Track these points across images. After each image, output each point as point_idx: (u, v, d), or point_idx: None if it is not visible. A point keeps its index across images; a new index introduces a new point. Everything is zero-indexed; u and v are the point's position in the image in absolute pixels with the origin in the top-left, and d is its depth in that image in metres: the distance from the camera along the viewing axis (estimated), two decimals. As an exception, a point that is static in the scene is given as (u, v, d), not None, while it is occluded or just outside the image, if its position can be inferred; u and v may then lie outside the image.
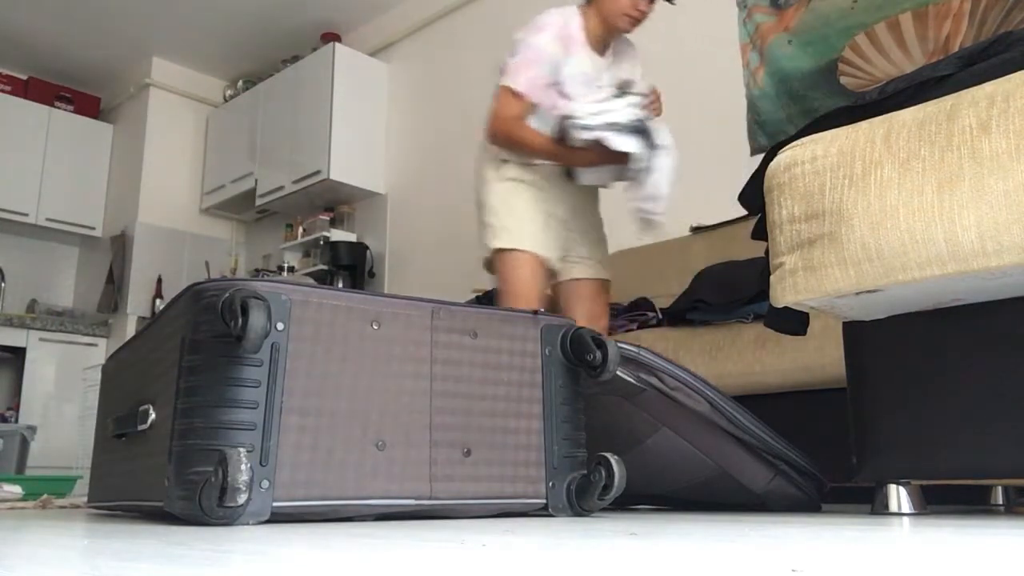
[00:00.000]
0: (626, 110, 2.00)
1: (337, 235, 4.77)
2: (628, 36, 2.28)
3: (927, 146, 1.18)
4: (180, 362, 1.08)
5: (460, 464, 1.16)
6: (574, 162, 2.10)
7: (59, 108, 5.58)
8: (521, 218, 2.08)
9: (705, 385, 1.43)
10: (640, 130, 1.99)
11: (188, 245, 5.51)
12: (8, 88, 5.44)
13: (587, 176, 2.13)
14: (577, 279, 2.18)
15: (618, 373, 1.30)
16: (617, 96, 2.05)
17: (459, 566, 0.57)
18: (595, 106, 2.02)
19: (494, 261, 2.10)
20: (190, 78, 5.67)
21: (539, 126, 2.10)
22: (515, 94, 2.08)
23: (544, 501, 1.22)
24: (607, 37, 2.21)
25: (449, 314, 1.21)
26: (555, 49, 2.10)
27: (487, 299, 2.88)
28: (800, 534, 0.87)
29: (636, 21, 2.16)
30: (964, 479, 1.41)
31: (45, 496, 2.12)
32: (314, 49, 4.95)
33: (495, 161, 2.16)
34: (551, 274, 2.14)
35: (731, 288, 2.20)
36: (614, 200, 3.62)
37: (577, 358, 1.28)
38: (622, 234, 3.42)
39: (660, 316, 2.49)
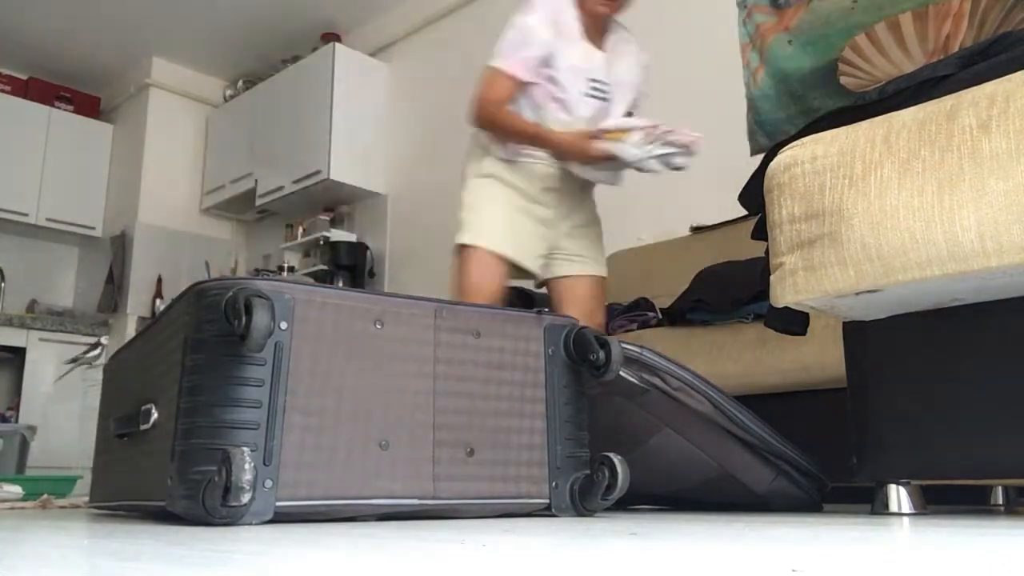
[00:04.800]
0: (658, 149, 2.04)
1: (337, 235, 4.78)
2: (627, 33, 2.22)
3: (927, 146, 1.18)
4: (183, 361, 1.08)
5: (463, 464, 1.16)
6: (560, 152, 2.05)
7: (59, 108, 5.58)
8: (489, 216, 2.06)
9: (708, 385, 1.43)
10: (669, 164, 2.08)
11: (188, 245, 5.51)
12: (8, 88, 5.44)
13: (588, 171, 2.10)
14: (568, 276, 2.16)
15: (621, 373, 1.31)
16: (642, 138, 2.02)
17: (459, 566, 0.57)
18: (638, 149, 2.01)
19: (456, 255, 2.09)
20: (190, 78, 5.67)
21: (529, 114, 2.07)
22: (503, 75, 2.04)
23: (547, 501, 1.22)
24: (598, 26, 2.14)
25: (452, 313, 1.21)
26: (547, 33, 2.05)
27: (487, 299, 2.88)
28: (800, 534, 0.87)
29: (614, 3, 2.10)
30: (964, 479, 1.41)
31: (45, 496, 2.12)
32: (314, 49, 4.95)
33: (477, 155, 2.14)
34: (522, 273, 2.12)
35: (731, 288, 2.20)
36: (613, 199, 3.62)
37: (580, 358, 1.28)
38: (621, 234, 3.43)
39: (660, 316, 2.49)
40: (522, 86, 2.06)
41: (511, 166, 2.10)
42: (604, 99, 2.13)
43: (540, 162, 2.10)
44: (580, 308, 2.10)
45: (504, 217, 2.06)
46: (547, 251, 2.13)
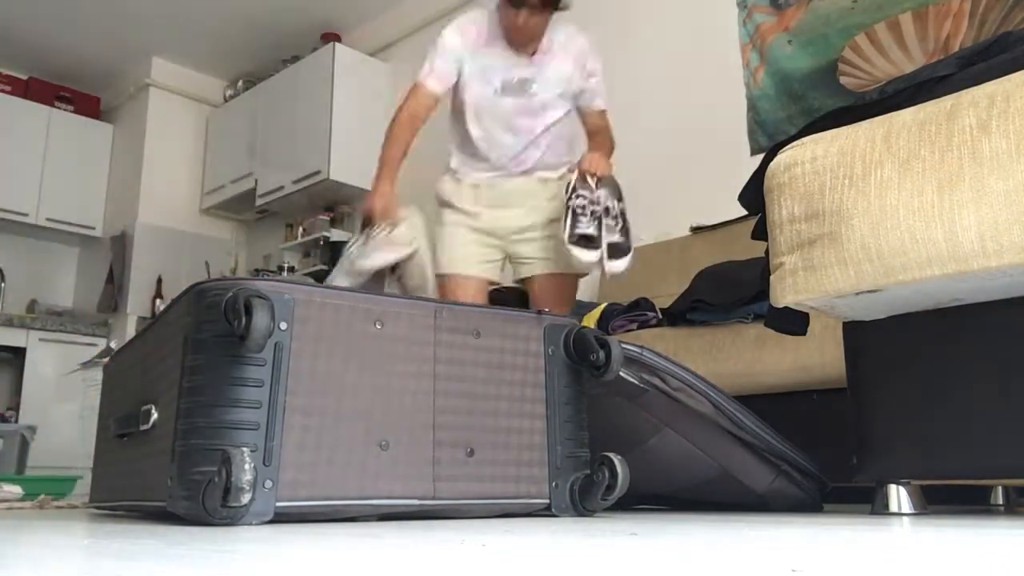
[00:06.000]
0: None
1: (337, 235, 4.78)
2: (564, 34, 2.26)
3: (927, 146, 1.18)
4: (183, 361, 1.08)
5: (463, 464, 1.16)
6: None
7: (59, 108, 5.58)
8: (442, 243, 2.30)
9: (708, 386, 1.43)
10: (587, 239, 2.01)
11: (188, 245, 5.51)
12: (8, 88, 5.44)
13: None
14: (528, 278, 2.33)
15: (621, 374, 1.31)
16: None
17: (459, 566, 0.57)
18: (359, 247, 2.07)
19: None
20: (190, 78, 5.67)
21: (455, 128, 2.31)
22: (416, 86, 2.26)
23: (547, 501, 1.22)
24: (527, 36, 2.20)
25: (452, 314, 1.21)
26: (458, 43, 2.21)
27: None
28: (800, 534, 0.87)
29: (524, 38, 2.16)
30: (964, 479, 1.41)
31: (42, 496, 2.12)
32: (314, 49, 4.95)
33: (438, 207, 2.38)
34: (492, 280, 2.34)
35: (731, 288, 2.20)
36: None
37: (580, 358, 1.28)
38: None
39: (660, 316, 2.49)
40: (434, 97, 2.26)
41: (453, 181, 2.35)
42: (523, 95, 2.22)
43: (468, 177, 2.33)
44: (539, 302, 2.27)
45: (448, 238, 2.30)
46: (503, 256, 2.32)
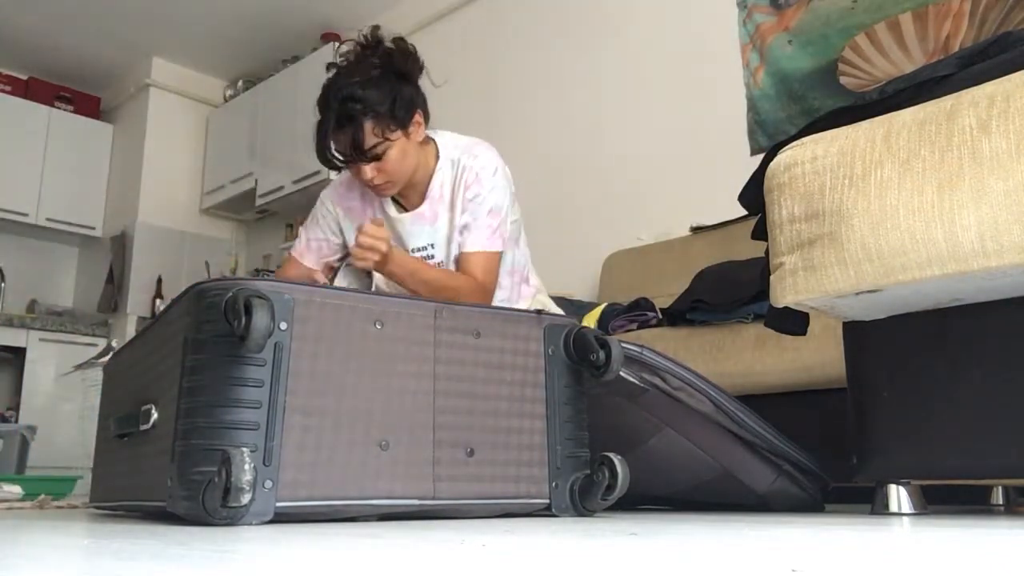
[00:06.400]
0: None
1: (337, 235, 4.77)
2: (471, 167, 1.86)
3: (927, 146, 1.18)
4: (183, 362, 1.08)
5: (463, 464, 1.16)
6: None
7: (59, 108, 5.58)
8: None
9: (709, 385, 1.43)
10: None
11: (188, 245, 5.51)
12: (8, 88, 5.44)
13: None
14: None
15: (621, 373, 1.30)
16: None
17: (459, 566, 0.57)
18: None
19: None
20: (190, 78, 5.67)
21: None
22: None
23: (547, 501, 1.22)
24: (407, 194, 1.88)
25: (452, 314, 1.21)
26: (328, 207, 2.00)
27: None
28: (800, 534, 0.87)
29: (378, 188, 1.81)
30: (964, 479, 1.41)
31: (42, 496, 2.12)
32: (314, 49, 4.95)
33: None
34: None
35: (731, 288, 2.20)
36: (612, 199, 3.62)
37: (580, 358, 1.28)
38: (622, 234, 3.44)
39: (660, 316, 2.49)
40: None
41: None
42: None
43: None
44: None
45: None
46: None
